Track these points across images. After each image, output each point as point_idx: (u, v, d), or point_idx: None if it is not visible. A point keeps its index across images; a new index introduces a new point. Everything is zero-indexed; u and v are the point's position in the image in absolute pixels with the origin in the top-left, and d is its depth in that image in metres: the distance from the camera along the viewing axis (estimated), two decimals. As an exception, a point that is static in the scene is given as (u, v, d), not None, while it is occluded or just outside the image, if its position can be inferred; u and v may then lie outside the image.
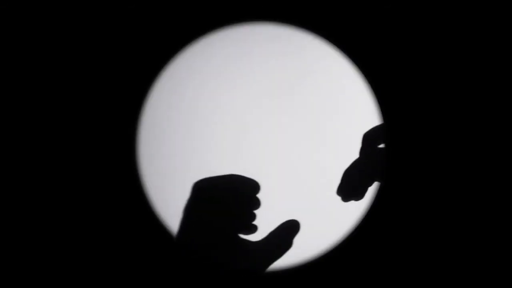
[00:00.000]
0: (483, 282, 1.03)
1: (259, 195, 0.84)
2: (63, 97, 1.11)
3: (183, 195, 1.18)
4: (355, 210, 0.97)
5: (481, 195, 1.06)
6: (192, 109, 1.19)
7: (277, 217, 0.87)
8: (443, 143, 1.07)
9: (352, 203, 0.84)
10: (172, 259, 0.85)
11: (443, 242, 1.04)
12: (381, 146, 0.82)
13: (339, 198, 0.83)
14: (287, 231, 0.84)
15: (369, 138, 0.82)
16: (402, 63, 1.09)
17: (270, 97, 1.19)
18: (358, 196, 0.83)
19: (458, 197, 1.06)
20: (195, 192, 0.84)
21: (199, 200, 0.83)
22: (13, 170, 1.09)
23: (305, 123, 1.19)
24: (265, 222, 0.85)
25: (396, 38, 1.09)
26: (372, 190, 0.85)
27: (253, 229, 0.84)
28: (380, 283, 0.76)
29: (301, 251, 0.97)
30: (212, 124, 1.19)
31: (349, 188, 0.82)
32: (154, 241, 1.08)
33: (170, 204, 1.16)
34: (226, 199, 0.83)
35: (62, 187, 1.10)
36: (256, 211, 0.84)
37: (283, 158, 1.17)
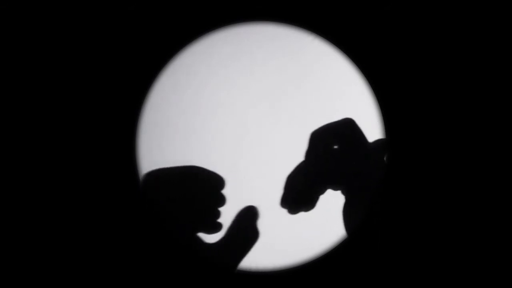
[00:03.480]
0: (483, 282, 1.03)
1: (224, 191, 0.77)
2: (63, 97, 1.11)
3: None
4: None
5: (481, 196, 1.06)
6: (192, 109, 1.19)
7: (279, 215, 0.86)
8: (444, 144, 1.07)
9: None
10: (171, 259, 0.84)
11: (443, 244, 1.04)
12: (335, 147, 0.72)
13: (285, 210, 0.72)
14: (247, 220, 0.77)
15: (318, 139, 0.72)
16: (402, 63, 1.09)
17: (270, 97, 1.19)
18: (307, 205, 0.72)
19: (459, 198, 1.06)
20: (144, 186, 0.78)
21: (151, 196, 0.77)
22: (13, 170, 1.10)
23: (305, 123, 1.19)
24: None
25: (396, 39, 1.09)
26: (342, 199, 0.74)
27: (218, 227, 0.78)
28: (379, 284, 0.76)
29: (300, 252, 0.97)
30: (212, 124, 1.19)
31: (295, 197, 0.72)
32: (154, 241, 1.08)
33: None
34: (183, 194, 0.75)
35: (62, 187, 1.10)
36: (221, 208, 0.78)
37: (282, 157, 1.17)
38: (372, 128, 1.13)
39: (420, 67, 1.09)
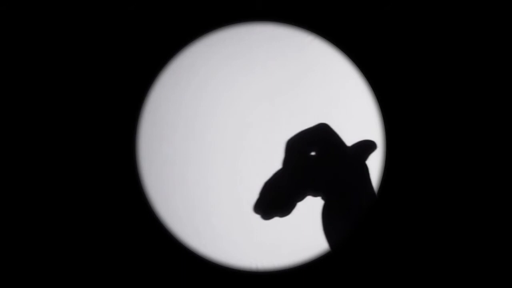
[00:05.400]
0: (483, 282, 1.03)
1: None
2: (63, 97, 1.11)
3: (183, 195, 1.18)
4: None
5: (481, 195, 1.06)
6: (192, 109, 1.19)
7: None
8: (443, 143, 1.07)
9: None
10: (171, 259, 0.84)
11: (443, 243, 1.04)
12: (312, 154, 0.71)
13: (258, 216, 0.71)
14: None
15: (293, 147, 0.70)
16: (402, 63, 1.09)
17: (270, 97, 1.19)
18: (283, 211, 0.71)
19: (458, 197, 1.06)
20: None
21: None
22: (13, 170, 1.10)
23: (305, 123, 1.19)
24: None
25: (396, 39, 1.09)
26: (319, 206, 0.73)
27: None
28: (379, 284, 0.76)
29: (299, 252, 0.97)
30: (212, 124, 1.19)
31: (270, 203, 0.70)
32: (154, 241, 1.08)
33: (170, 205, 1.16)
34: None
35: (62, 187, 1.10)
36: None
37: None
38: (372, 128, 1.13)
39: (420, 67, 1.09)
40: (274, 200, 0.71)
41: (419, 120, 1.08)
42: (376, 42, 1.09)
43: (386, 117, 1.07)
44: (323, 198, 0.71)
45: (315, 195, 0.72)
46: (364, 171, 0.70)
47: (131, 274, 1.08)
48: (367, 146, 0.72)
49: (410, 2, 1.09)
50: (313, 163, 0.71)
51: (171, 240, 1.08)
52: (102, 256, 1.09)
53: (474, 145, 1.07)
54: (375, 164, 1.06)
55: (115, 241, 1.09)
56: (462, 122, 1.07)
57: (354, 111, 1.17)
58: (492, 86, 1.08)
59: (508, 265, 1.03)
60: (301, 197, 0.71)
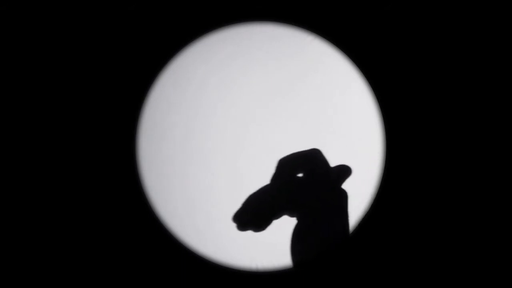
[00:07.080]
0: (483, 282, 1.03)
1: None
2: (63, 97, 1.11)
3: (183, 195, 1.18)
4: (355, 210, 0.97)
5: (481, 195, 1.06)
6: (192, 109, 1.19)
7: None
8: (443, 144, 1.07)
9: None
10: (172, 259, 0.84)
11: (443, 244, 1.04)
12: (300, 175, 0.73)
13: (234, 225, 0.73)
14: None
15: (284, 166, 0.73)
16: (402, 63, 1.09)
17: (270, 97, 1.19)
18: (259, 227, 0.73)
19: (458, 198, 1.06)
20: None
21: None
22: (13, 170, 1.10)
23: (305, 123, 1.19)
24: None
25: (396, 39, 1.10)
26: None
27: None
28: (379, 284, 0.76)
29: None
30: (211, 124, 1.19)
31: (250, 216, 0.72)
32: (154, 241, 1.08)
33: (170, 204, 1.16)
34: None
35: (62, 187, 1.10)
36: None
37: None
38: (372, 128, 1.13)
39: (420, 67, 1.09)
40: (254, 214, 0.73)
41: (419, 121, 1.08)
42: (376, 42, 1.09)
43: (386, 117, 1.07)
44: (297, 219, 0.73)
45: (291, 215, 0.74)
46: (342, 199, 0.73)
47: (131, 274, 1.08)
48: (342, 172, 0.74)
49: (410, 2, 1.09)
50: (298, 185, 0.73)
51: (171, 240, 1.08)
52: (102, 256, 1.09)
53: (474, 145, 1.07)
54: (370, 176, 1.06)
55: (115, 241, 1.09)
56: (462, 122, 1.07)
57: (354, 111, 1.17)
58: (492, 86, 1.08)
59: (508, 265, 1.03)
60: (278, 216, 0.73)
